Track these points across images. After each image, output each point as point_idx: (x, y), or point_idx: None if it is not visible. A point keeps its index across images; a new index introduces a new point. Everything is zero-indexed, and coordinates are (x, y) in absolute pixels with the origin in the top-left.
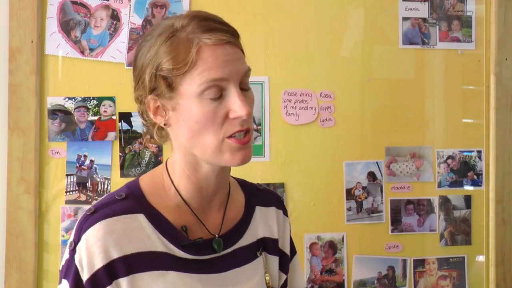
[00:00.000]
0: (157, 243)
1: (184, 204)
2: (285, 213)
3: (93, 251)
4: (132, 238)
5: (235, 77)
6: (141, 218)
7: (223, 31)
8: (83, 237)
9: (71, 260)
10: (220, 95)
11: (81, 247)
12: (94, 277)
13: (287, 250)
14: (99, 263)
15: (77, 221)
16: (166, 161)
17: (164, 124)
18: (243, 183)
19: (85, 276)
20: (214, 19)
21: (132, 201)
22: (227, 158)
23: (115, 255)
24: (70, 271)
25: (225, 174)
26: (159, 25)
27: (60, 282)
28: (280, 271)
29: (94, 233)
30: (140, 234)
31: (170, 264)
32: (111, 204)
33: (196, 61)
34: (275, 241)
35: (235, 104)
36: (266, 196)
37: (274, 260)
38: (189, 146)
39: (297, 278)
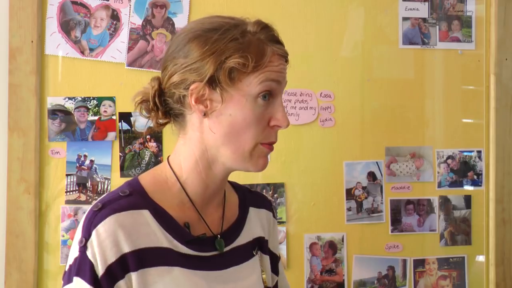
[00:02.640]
0: (161, 239)
1: (188, 200)
2: (274, 216)
3: (105, 246)
4: (140, 233)
5: (283, 89)
6: (146, 214)
7: (284, 48)
8: (94, 233)
9: (83, 256)
10: (268, 100)
11: (92, 242)
12: (108, 271)
13: (276, 251)
14: (111, 258)
15: (84, 218)
16: (168, 159)
17: (204, 114)
18: (235, 185)
19: (100, 271)
20: (278, 35)
21: (137, 197)
22: (254, 162)
23: (126, 249)
24: (84, 267)
25: (227, 176)
26: (215, 22)
27: (68, 282)
28: (272, 273)
29: (105, 227)
30: (147, 230)
31: (174, 260)
32: (117, 200)
33: (266, 65)
34: (267, 241)
35: (278, 113)
36: (258, 198)
37: (267, 260)
38: (219, 142)
39: (284, 279)
